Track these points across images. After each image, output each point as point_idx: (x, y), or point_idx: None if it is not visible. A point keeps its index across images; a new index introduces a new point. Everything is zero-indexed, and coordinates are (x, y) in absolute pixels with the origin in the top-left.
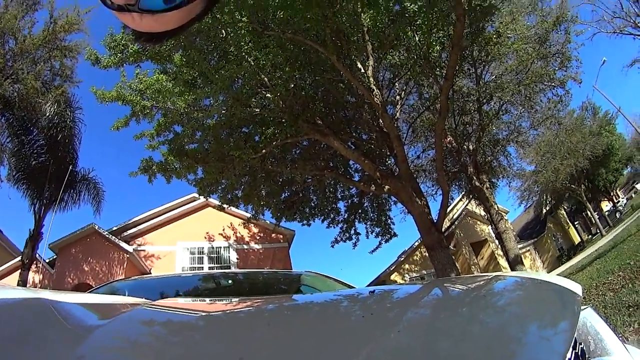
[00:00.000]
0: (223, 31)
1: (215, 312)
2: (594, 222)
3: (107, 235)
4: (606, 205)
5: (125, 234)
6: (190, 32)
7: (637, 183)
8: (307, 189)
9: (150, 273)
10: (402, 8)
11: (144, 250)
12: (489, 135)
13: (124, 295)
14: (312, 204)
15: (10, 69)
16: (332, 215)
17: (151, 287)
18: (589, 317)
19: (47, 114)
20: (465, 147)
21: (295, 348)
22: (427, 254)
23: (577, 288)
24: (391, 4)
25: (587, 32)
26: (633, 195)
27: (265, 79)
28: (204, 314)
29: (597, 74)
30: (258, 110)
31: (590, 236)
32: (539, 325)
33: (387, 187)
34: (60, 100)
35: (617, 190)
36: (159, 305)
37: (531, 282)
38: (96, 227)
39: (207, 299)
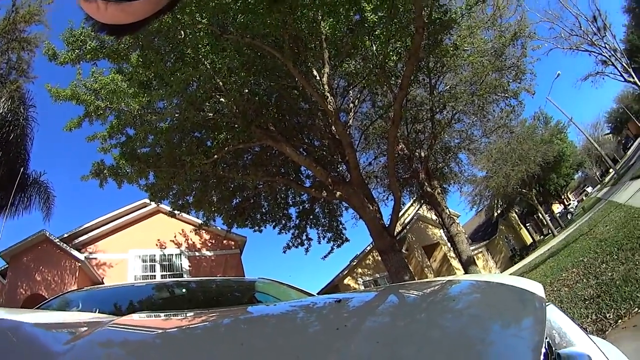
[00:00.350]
0: (182, 32)
1: (175, 328)
2: (545, 223)
3: (59, 243)
4: (557, 208)
5: (76, 241)
6: (149, 31)
7: (587, 187)
8: (259, 195)
9: (103, 282)
10: (362, 18)
11: (95, 259)
12: (441, 143)
13: (78, 307)
14: (264, 210)
15: None
16: (283, 221)
17: (104, 298)
18: (551, 312)
19: (0, 111)
20: (417, 154)
21: None
22: (379, 258)
23: (537, 287)
24: (351, 14)
25: (543, 48)
26: (584, 198)
27: (220, 83)
28: (161, 331)
29: (551, 86)
30: (211, 114)
31: (542, 237)
32: (509, 324)
33: (338, 193)
34: (15, 96)
35: (568, 194)
36: (120, 325)
37: (489, 284)
38: (47, 234)
39: (163, 314)
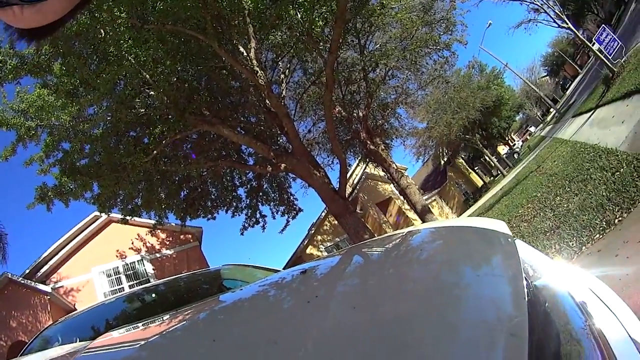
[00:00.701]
0: (102, 31)
1: (155, 335)
2: (493, 165)
3: (23, 282)
4: (503, 149)
5: (39, 274)
6: (67, 36)
7: (530, 126)
8: (205, 182)
9: (75, 309)
10: None
11: (62, 287)
12: (377, 101)
13: (59, 342)
14: (213, 197)
15: None
16: (234, 204)
17: (81, 324)
18: (519, 247)
19: None
20: (356, 114)
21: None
22: (336, 222)
23: (500, 224)
24: None
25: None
26: (528, 138)
27: (147, 76)
28: (144, 342)
29: (483, 36)
30: (143, 110)
31: (492, 178)
32: (480, 264)
33: (283, 165)
34: None
35: (512, 135)
36: (95, 348)
37: (450, 229)
38: (9, 276)
39: (140, 324)
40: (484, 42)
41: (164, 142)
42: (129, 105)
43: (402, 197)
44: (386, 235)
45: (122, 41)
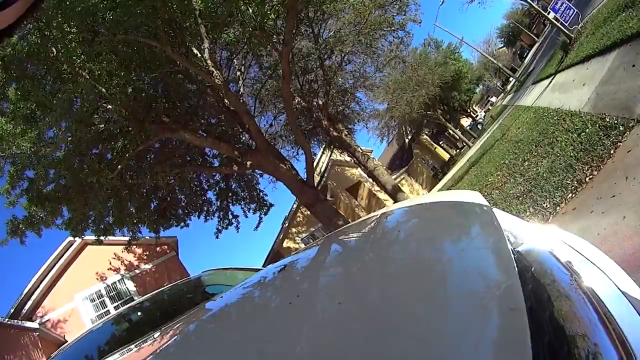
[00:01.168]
0: (53, 49)
1: (150, 357)
2: (458, 138)
3: (9, 322)
4: (466, 121)
5: (24, 311)
6: (19, 59)
7: (491, 97)
8: (173, 190)
9: (66, 340)
10: None
11: (48, 320)
12: (336, 87)
13: None
14: (183, 204)
15: None
16: (205, 208)
17: (75, 356)
18: (498, 215)
19: None
20: (315, 103)
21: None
22: (309, 212)
23: (474, 195)
24: None
25: None
26: (490, 108)
27: (103, 90)
28: None
29: (437, 13)
30: (103, 125)
31: (458, 150)
32: (459, 237)
33: (249, 163)
34: None
35: (474, 106)
36: None
37: (423, 206)
38: None
39: (133, 347)
40: (438, 19)
41: (127, 155)
42: (87, 122)
43: (371, 180)
44: (360, 219)
45: (74, 57)
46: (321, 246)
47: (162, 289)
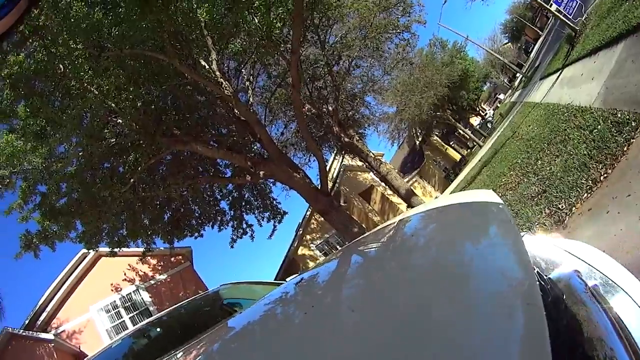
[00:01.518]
0: (60, 66)
1: None
2: (468, 137)
3: (25, 334)
4: (475, 120)
5: (38, 322)
6: (27, 76)
7: (499, 94)
8: (186, 201)
9: (81, 351)
10: None
11: (64, 331)
12: (345, 92)
13: None
14: (196, 215)
15: None
16: (219, 218)
17: None
18: (527, 241)
19: None
20: (325, 109)
21: None
22: (322, 219)
23: (487, 194)
24: None
25: None
26: (498, 105)
27: (113, 104)
28: None
29: (441, 13)
30: (114, 140)
31: (469, 150)
32: (478, 237)
33: (262, 172)
34: None
35: (482, 105)
36: None
37: (439, 210)
38: (11, 330)
39: None
40: (442, 18)
41: (139, 168)
42: (98, 137)
43: (383, 184)
44: (379, 228)
45: (82, 73)
46: (341, 258)
47: (180, 303)
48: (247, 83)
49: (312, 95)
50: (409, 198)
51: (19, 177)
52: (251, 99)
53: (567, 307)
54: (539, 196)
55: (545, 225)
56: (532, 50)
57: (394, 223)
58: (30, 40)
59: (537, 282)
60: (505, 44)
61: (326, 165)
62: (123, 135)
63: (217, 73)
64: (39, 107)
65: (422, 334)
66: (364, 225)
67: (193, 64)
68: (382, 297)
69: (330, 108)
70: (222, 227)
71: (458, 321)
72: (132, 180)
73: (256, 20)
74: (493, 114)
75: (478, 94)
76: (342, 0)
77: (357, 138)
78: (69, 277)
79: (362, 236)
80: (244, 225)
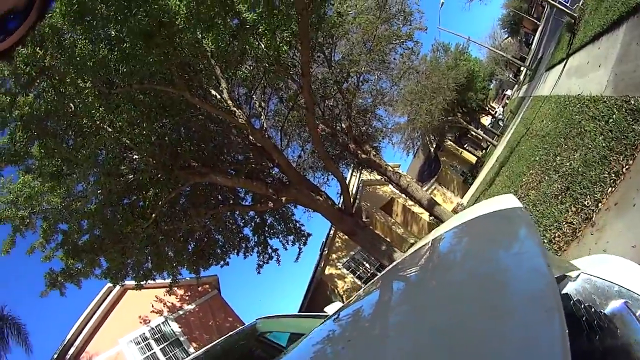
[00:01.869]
0: (71, 105)
1: None
2: (481, 138)
3: None
4: (486, 120)
5: (67, 356)
6: (38, 117)
7: (506, 90)
8: (209, 231)
9: None
10: (241, 21)
11: None
12: (356, 108)
13: None
14: (220, 243)
15: None
16: (243, 245)
17: None
18: (584, 277)
19: None
20: (339, 127)
21: None
22: (345, 236)
23: (508, 199)
24: (229, 21)
25: None
26: (507, 102)
27: (127, 140)
28: None
29: (439, 17)
30: (131, 176)
31: (484, 151)
32: (508, 245)
33: (283, 198)
34: None
35: (491, 103)
36: None
37: (468, 224)
38: None
39: None
40: (441, 22)
41: (159, 203)
42: (115, 174)
43: (403, 195)
44: (413, 250)
45: (93, 111)
46: (381, 287)
47: (217, 340)
48: (259, 109)
49: (325, 114)
50: (432, 208)
51: (39, 217)
52: (265, 124)
53: (622, 340)
54: (563, 194)
55: (573, 224)
56: (532, 42)
57: (428, 243)
58: (38, 81)
59: (594, 321)
60: (506, 38)
61: (347, 185)
62: (140, 171)
63: (229, 102)
64: (53, 148)
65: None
66: (388, 239)
67: (203, 94)
68: (434, 329)
69: (343, 125)
70: (247, 254)
71: (495, 333)
72: (153, 215)
73: (263, 46)
74: (503, 112)
75: (486, 93)
76: (344, 16)
77: (374, 153)
78: (96, 311)
79: (398, 261)
80: (269, 250)
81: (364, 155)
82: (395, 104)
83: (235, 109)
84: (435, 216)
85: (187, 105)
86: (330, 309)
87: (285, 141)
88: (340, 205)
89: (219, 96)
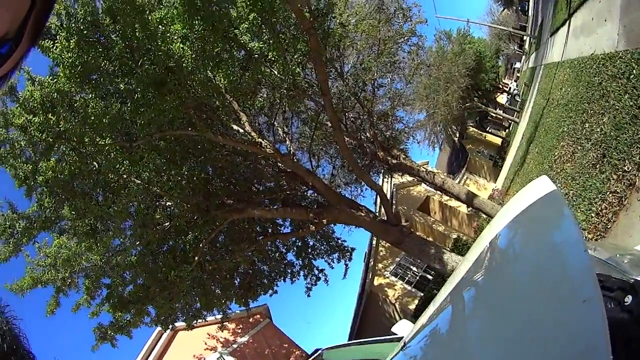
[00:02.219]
0: (94, 163)
1: None
2: (502, 117)
3: None
4: (503, 98)
5: None
6: (63, 181)
7: (514, 64)
8: (253, 263)
9: None
10: (247, 51)
11: None
12: (377, 115)
13: None
14: (266, 273)
15: None
16: (289, 271)
17: None
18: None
19: None
20: (364, 137)
21: None
22: (388, 244)
23: (542, 182)
24: (235, 54)
25: None
26: (518, 75)
27: (157, 189)
28: None
29: (434, 5)
30: (168, 223)
31: (507, 131)
32: (554, 230)
33: (325, 220)
34: None
35: (504, 80)
36: None
37: (517, 219)
38: None
39: None
40: (437, 10)
41: (200, 245)
42: (151, 224)
43: (438, 192)
44: (474, 259)
45: (117, 166)
46: (453, 302)
47: None
48: (283, 134)
49: (348, 127)
50: (471, 201)
51: (80, 275)
52: (291, 149)
53: None
54: (600, 162)
55: (618, 192)
56: (528, 9)
57: (486, 248)
58: (57, 146)
59: None
60: (502, 11)
61: (386, 194)
62: (176, 217)
63: (253, 134)
64: (83, 208)
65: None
66: (431, 239)
67: (225, 131)
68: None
69: (368, 135)
70: (294, 279)
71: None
72: (196, 258)
73: (276, 72)
74: (517, 86)
75: (496, 71)
76: (347, 27)
77: (404, 156)
78: (149, 356)
79: (460, 271)
80: (316, 272)
81: (394, 161)
82: (412, 102)
83: (260, 139)
84: (476, 208)
85: (211, 144)
86: (399, 329)
87: (315, 162)
88: (381, 216)
89: (241, 130)
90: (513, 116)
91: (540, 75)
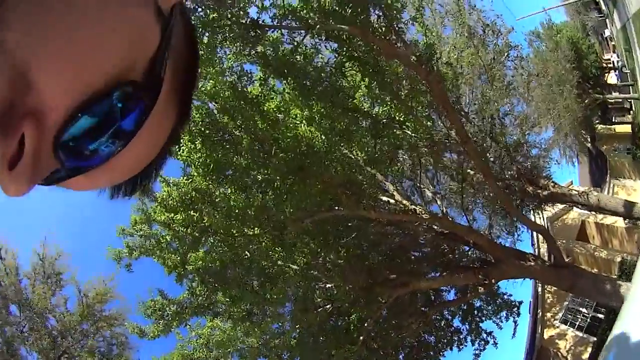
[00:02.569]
0: (246, 252)
1: None
2: (621, 100)
3: None
4: (611, 76)
5: None
6: (215, 271)
7: (602, 32)
8: (419, 334)
9: None
10: (373, 118)
11: None
12: (512, 146)
13: None
14: (432, 344)
15: (60, 346)
16: (455, 338)
17: None
18: None
19: None
20: (508, 175)
21: None
22: (554, 288)
23: None
24: (362, 122)
25: None
26: (613, 44)
27: (315, 272)
28: None
29: (510, 11)
30: (329, 305)
31: (632, 112)
32: None
33: (493, 279)
34: None
35: (603, 57)
36: None
37: None
38: None
39: None
40: (513, 13)
41: (365, 325)
42: (311, 308)
43: (593, 213)
44: None
45: (270, 252)
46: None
47: None
48: (431, 194)
49: (491, 169)
50: (631, 212)
51: (235, 354)
52: (443, 208)
53: None
54: None
55: None
56: None
57: None
58: (204, 239)
59: None
60: None
61: (549, 233)
62: (337, 298)
63: (405, 202)
64: (238, 296)
65: None
66: (595, 270)
67: (375, 203)
68: None
69: (512, 172)
70: (461, 346)
71: None
72: (361, 337)
73: (409, 131)
74: (618, 55)
75: (593, 50)
76: (453, 65)
77: (552, 184)
78: None
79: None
80: (484, 335)
81: (544, 192)
82: (537, 122)
83: (413, 207)
84: (637, 218)
85: (366, 221)
86: None
87: (469, 216)
88: (541, 257)
89: (391, 200)
90: (630, 93)
91: (633, 32)
